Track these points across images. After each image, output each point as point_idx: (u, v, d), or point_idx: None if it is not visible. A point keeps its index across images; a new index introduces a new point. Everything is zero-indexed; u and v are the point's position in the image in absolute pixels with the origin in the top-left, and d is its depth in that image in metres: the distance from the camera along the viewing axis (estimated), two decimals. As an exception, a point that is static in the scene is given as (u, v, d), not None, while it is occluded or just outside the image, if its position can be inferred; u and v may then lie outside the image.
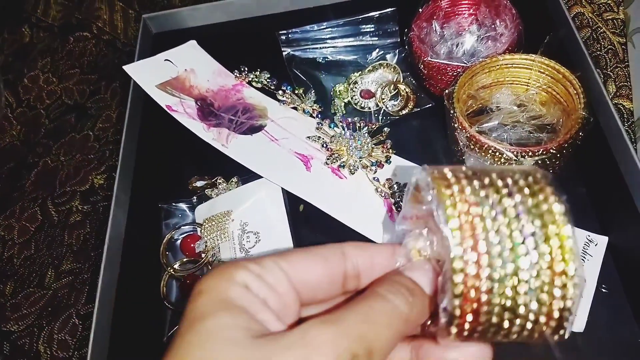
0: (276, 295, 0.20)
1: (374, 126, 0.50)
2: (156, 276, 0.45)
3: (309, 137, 0.50)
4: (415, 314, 0.21)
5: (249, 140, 0.50)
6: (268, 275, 0.20)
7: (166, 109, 0.50)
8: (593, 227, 0.42)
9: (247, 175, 0.48)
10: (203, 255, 0.45)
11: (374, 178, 0.46)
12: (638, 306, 0.39)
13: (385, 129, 0.49)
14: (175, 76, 0.54)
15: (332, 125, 0.50)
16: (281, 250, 0.43)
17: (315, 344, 0.18)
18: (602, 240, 0.41)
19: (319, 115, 0.52)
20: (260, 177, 0.48)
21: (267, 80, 0.55)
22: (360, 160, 0.47)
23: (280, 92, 0.53)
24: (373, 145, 0.48)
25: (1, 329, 0.48)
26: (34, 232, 0.55)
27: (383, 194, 0.45)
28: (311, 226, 0.46)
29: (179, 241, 0.47)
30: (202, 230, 0.45)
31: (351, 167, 0.47)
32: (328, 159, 0.47)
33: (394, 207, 0.45)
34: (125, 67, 0.52)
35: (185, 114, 0.51)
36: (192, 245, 0.45)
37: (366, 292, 0.22)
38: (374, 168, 0.47)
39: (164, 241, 0.46)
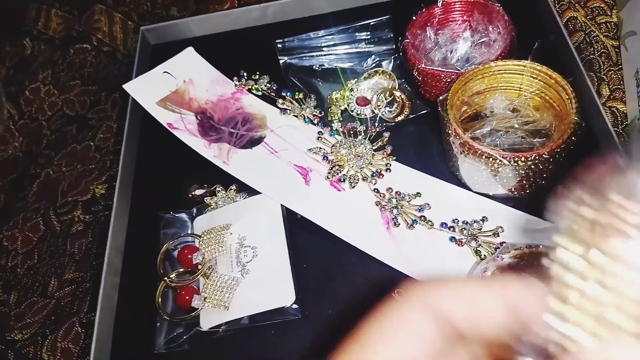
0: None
1: (373, 131, 0.50)
2: (156, 285, 0.45)
3: (310, 149, 0.50)
4: None
5: (249, 154, 0.51)
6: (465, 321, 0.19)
7: (167, 127, 0.51)
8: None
9: (247, 191, 0.49)
10: (200, 267, 0.45)
11: (374, 189, 0.47)
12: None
13: (385, 134, 0.50)
14: (175, 89, 0.55)
15: (332, 134, 0.51)
16: (277, 266, 0.43)
17: None
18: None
19: (320, 123, 0.52)
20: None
21: (267, 85, 0.55)
22: (360, 170, 0.48)
23: (280, 100, 0.54)
24: (373, 152, 0.49)
25: (5, 338, 0.49)
26: (37, 242, 0.55)
27: (380, 207, 0.46)
28: (309, 232, 0.46)
29: (176, 251, 0.47)
30: (201, 242, 0.46)
31: (352, 181, 0.47)
32: (329, 173, 0.48)
33: (391, 221, 0.45)
34: (125, 86, 0.53)
35: (187, 131, 0.52)
36: (189, 256, 0.45)
37: None
38: (374, 179, 0.47)
39: (162, 251, 0.46)
